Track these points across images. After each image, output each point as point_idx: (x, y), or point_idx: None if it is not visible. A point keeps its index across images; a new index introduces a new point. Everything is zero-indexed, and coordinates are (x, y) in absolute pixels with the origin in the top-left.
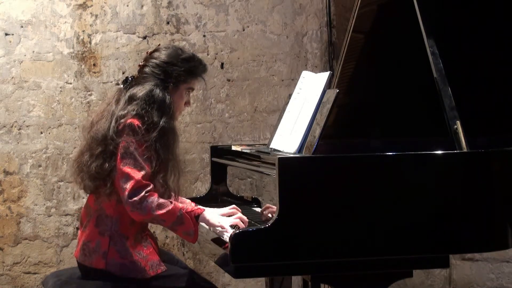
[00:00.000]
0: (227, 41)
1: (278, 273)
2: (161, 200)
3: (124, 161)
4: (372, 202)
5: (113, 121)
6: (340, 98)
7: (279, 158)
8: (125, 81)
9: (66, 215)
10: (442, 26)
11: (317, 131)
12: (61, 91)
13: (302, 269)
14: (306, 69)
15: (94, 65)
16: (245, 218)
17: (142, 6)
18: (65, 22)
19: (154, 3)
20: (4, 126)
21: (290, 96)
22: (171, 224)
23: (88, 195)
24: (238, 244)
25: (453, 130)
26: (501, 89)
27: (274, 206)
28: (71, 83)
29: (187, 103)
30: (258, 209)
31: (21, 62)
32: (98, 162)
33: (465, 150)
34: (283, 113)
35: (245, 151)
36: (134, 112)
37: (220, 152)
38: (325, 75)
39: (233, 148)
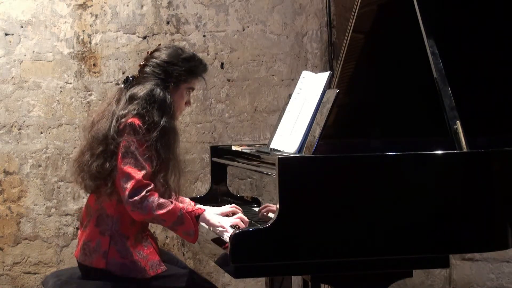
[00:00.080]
0: (227, 41)
1: (278, 273)
2: (162, 200)
3: (125, 161)
4: (372, 202)
5: (114, 121)
6: (340, 98)
7: (279, 158)
8: (126, 80)
9: (66, 215)
10: (442, 26)
11: (317, 131)
12: (61, 91)
13: (302, 269)
14: (306, 69)
15: (94, 65)
16: (245, 218)
17: (142, 6)
18: (65, 22)
19: (154, 3)
20: (4, 126)
21: (290, 96)
22: (171, 224)
23: (88, 195)
24: (238, 244)
25: (453, 130)
26: (501, 89)
27: (273, 205)
28: (71, 83)
29: (188, 103)
30: (258, 209)
31: (21, 62)
32: (99, 162)
33: (465, 150)
34: (283, 113)
35: (245, 151)
36: (135, 112)
37: (220, 152)
38: (325, 75)
39: (233, 148)
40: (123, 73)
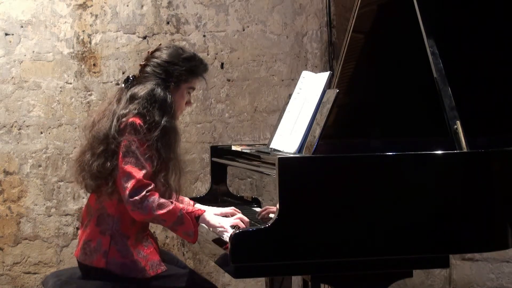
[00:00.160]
0: (227, 41)
1: (278, 273)
2: (162, 200)
3: (125, 160)
4: (372, 202)
5: (115, 120)
6: (340, 98)
7: (279, 158)
8: (126, 80)
9: (66, 215)
10: (442, 26)
11: (317, 131)
12: (61, 91)
13: (302, 269)
14: (306, 69)
15: (94, 65)
16: (245, 218)
17: (142, 6)
18: (65, 22)
19: (154, 3)
20: (4, 126)
21: (290, 96)
22: (171, 224)
23: (89, 194)
24: (238, 244)
25: (453, 130)
26: (501, 89)
27: (272, 207)
28: (71, 83)
29: (188, 103)
30: (258, 209)
31: (21, 62)
32: (100, 161)
33: (465, 150)
34: (283, 113)
35: (245, 151)
36: (136, 111)
37: (220, 152)
38: (325, 75)
39: (233, 148)
40: (123, 73)
